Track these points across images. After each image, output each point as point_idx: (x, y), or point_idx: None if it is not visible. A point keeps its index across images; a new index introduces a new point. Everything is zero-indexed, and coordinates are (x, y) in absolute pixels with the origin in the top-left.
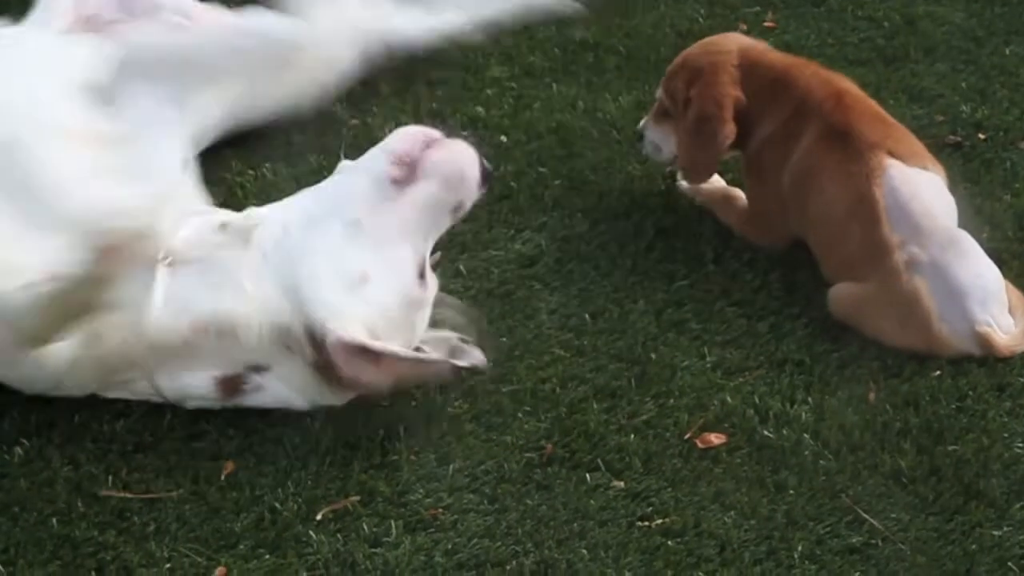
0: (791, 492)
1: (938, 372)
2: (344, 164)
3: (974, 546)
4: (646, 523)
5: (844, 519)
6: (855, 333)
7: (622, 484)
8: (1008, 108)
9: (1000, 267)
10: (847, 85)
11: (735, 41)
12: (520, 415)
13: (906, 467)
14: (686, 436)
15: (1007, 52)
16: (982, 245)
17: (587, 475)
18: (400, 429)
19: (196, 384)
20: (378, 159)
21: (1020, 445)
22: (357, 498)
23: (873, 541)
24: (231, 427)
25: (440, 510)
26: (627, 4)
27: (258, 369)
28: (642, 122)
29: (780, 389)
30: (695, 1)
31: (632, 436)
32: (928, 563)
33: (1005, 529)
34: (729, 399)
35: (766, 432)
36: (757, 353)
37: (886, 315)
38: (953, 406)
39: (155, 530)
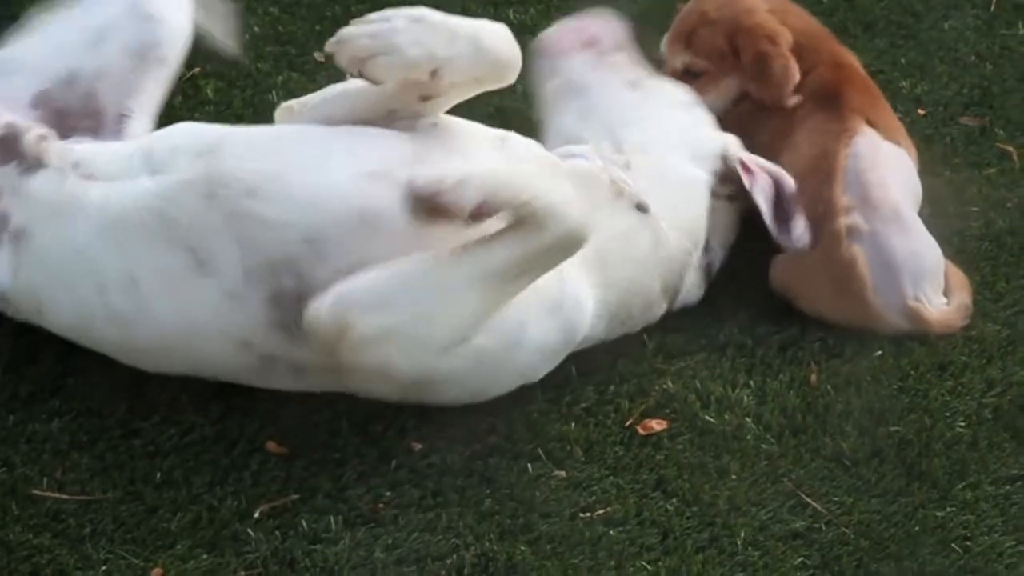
0: (733, 477)
1: (879, 352)
2: None
3: (917, 528)
4: (588, 513)
5: (787, 503)
6: (797, 314)
7: (564, 473)
8: (947, 83)
9: (940, 243)
10: (850, 59)
11: None
12: (463, 408)
13: (848, 449)
14: (627, 423)
15: (946, 27)
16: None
17: (528, 465)
18: (342, 425)
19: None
20: None
21: (962, 425)
22: (297, 495)
23: (816, 525)
24: (168, 424)
25: (381, 505)
26: None
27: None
28: None
29: (722, 373)
30: None
31: (573, 424)
32: (871, 546)
33: (948, 510)
34: (670, 384)
35: (708, 417)
36: (698, 337)
37: (823, 284)
38: (895, 386)
39: (91, 532)
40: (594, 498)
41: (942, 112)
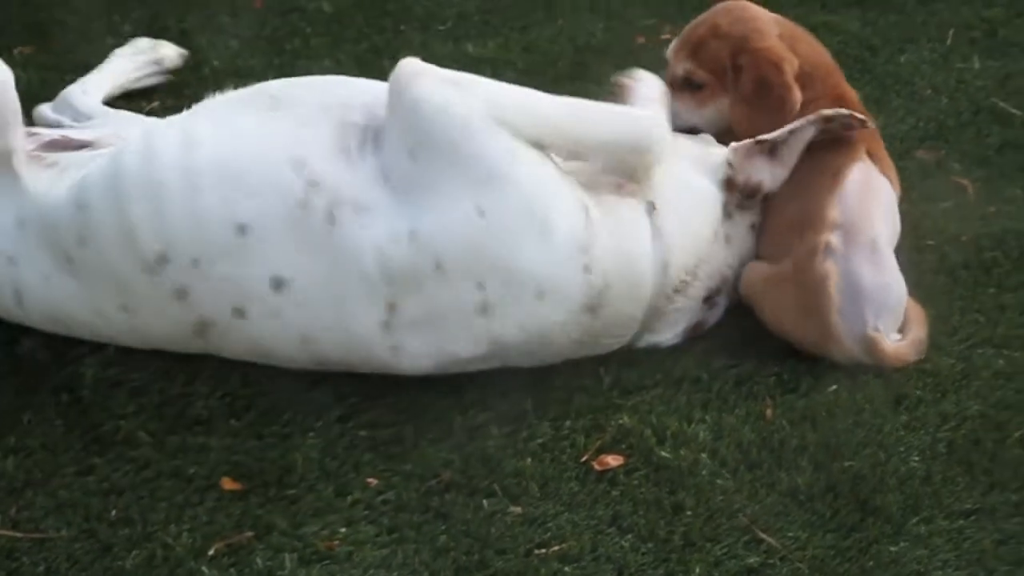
0: (688, 513)
1: (835, 387)
2: None
3: (871, 563)
4: (543, 550)
5: (742, 539)
6: (753, 349)
7: (519, 509)
8: (904, 117)
9: None
10: (852, 94)
11: (759, 10)
12: (421, 443)
13: (803, 484)
14: (583, 458)
15: (902, 60)
16: None
17: (484, 501)
18: (297, 461)
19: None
20: None
21: (916, 459)
22: (252, 532)
23: (771, 561)
24: (123, 461)
25: (336, 542)
26: (526, 19)
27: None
28: None
29: (678, 408)
30: (592, 15)
31: (529, 460)
32: None
33: (902, 544)
34: (626, 419)
35: (663, 452)
36: (654, 371)
37: (790, 297)
38: (850, 421)
39: (45, 570)
40: (549, 534)
41: (898, 146)
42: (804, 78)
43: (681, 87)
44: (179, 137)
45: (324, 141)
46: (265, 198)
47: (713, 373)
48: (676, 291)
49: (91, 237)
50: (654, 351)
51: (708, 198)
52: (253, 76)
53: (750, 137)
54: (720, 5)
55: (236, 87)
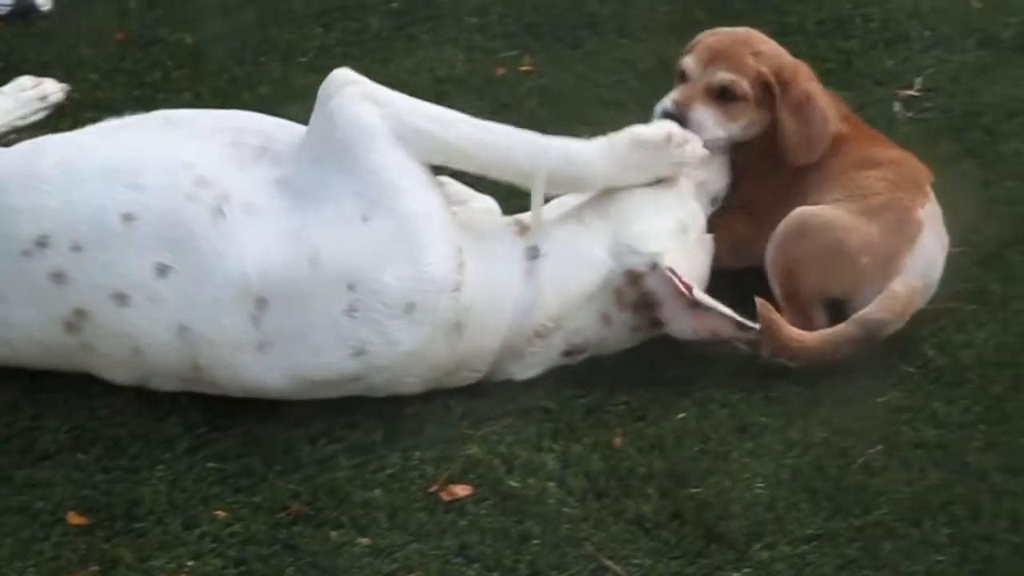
0: (535, 542)
1: (683, 415)
2: None
3: None
4: None
5: (588, 567)
6: (602, 379)
7: (367, 540)
8: None
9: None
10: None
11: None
12: (270, 475)
13: (649, 512)
14: (432, 489)
15: None
16: None
17: (332, 533)
18: (145, 494)
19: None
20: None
21: (760, 486)
22: (98, 567)
23: None
24: None
25: (183, 575)
26: (387, 51)
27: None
28: (667, 104)
29: (527, 437)
30: (453, 46)
31: (378, 491)
32: None
33: (744, 570)
34: (476, 449)
35: (512, 482)
36: (505, 402)
37: (864, 224)
38: (697, 448)
39: None
40: (396, 565)
41: None
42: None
43: (714, 97)
44: (66, 139)
45: (216, 151)
46: (152, 190)
47: (562, 403)
48: (538, 335)
49: None
50: (505, 382)
51: (598, 273)
52: (112, 109)
53: (801, 152)
54: (739, 28)
55: (95, 120)
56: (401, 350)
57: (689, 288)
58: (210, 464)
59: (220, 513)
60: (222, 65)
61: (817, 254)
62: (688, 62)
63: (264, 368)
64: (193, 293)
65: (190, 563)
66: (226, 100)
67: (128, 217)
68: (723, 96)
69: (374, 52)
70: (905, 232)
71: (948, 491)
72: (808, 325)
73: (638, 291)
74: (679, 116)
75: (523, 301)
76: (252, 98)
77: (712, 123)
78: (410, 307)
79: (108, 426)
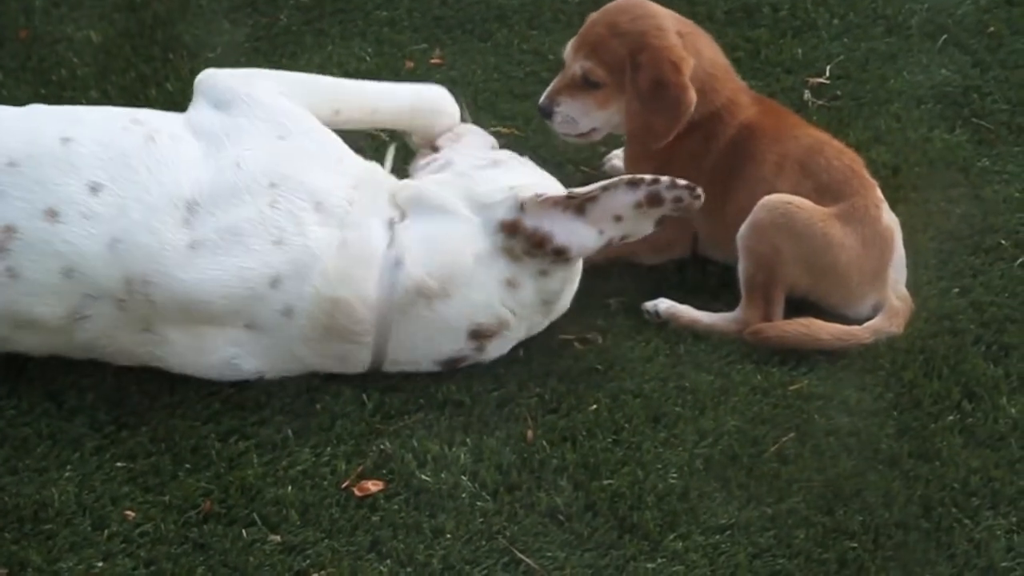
0: (448, 536)
1: (595, 406)
2: None
3: None
4: None
5: (501, 560)
6: (515, 372)
7: (279, 538)
8: None
9: None
10: (752, 92)
11: (659, 8)
12: (180, 474)
13: (562, 504)
14: (343, 485)
15: None
16: None
17: (243, 531)
18: (53, 494)
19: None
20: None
21: (674, 476)
22: (6, 570)
23: None
24: None
25: None
26: (296, 46)
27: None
28: (543, 98)
29: (439, 432)
30: (362, 40)
31: (290, 488)
32: None
33: (659, 561)
34: (388, 444)
35: (424, 476)
36: (417, 396)
37: (846, 235)
38: (609, 440)
39: None
40: (308, 562)
41: None
42: (704, 79)
43: (580, 87)
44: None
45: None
46: (91, 123)
47: (475, 396)
48: (421, 295)
49: None
50: (416, 376)
51: (464, 227)
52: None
53: (643, 138)
54: (619, 2)
55: None
56: (308, 242)
57: (566, 193)
58: (119, 463)
59: (130, 513)
60: (129, 62)
61: (810, 262)
62: (567, 49)
63: (197, 272)
64: (125, 206)
65: (100, 564)
66: (132, 98)
67: (66, 140)
68: (587, 84)
69: (283, 47)
70: (882, 245)
71: (861, 478)
72: (770, 315)
73: (523, 236)
74: (548, 111)
75: (389, 256)
76: (160, 95)
77: (579, 114)
78: (319, 205)
79: (14, 426)
